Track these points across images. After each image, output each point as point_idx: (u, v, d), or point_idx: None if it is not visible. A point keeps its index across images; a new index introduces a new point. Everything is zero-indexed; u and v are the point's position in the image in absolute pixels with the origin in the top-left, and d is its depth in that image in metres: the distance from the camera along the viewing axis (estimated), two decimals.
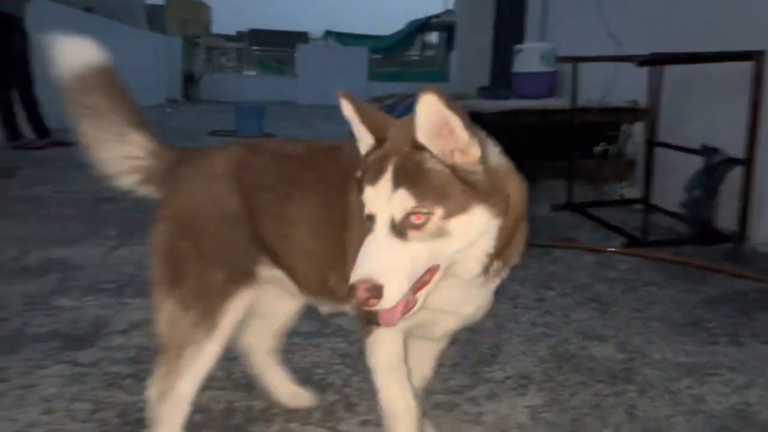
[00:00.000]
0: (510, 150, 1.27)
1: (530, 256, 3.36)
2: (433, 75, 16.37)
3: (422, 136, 1.13)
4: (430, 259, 1.14)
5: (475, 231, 1.16)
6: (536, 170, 4.52)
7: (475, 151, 1.15)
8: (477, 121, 1.18)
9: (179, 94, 16.12)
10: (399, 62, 17.61)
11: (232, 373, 2.03)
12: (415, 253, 1.12)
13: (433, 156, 1.14)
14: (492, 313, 2.62)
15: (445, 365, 2.16)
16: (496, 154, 1.23)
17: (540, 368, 2.18)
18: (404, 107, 4.87)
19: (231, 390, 1.97)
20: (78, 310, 2.57)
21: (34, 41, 6.74)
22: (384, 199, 1.13)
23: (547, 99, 5.48)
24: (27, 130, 6.94)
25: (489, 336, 2.41)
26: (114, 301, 2.67)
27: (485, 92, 6.13)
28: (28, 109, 6.88)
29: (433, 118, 1.12)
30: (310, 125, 11.21)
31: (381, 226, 1.13)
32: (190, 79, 16.93)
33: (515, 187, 1.24)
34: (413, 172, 1.13)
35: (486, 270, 1.23)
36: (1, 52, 6.57)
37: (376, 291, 1.08)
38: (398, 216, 1.12)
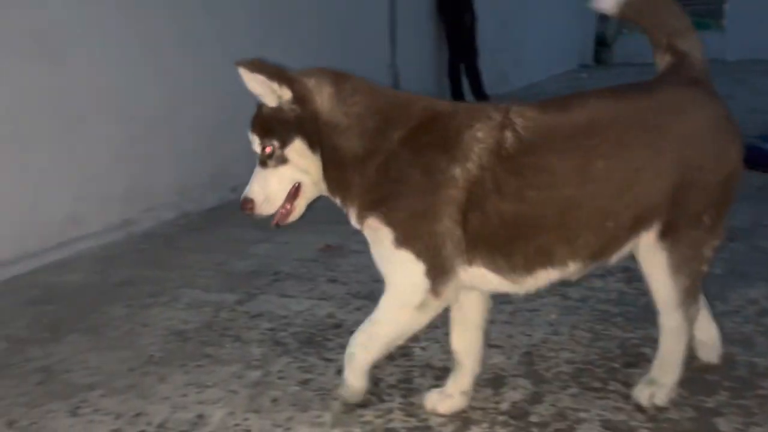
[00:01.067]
0: None
1: None
2: None
3: (260, 96, 1.52)
4: (290, 179, 1.57)
5: (303, 157, 1.54)
6: None
7: (286, 93, 1.51)
8: None
9: (590, 58, 16.03)
10: None
11: (725, 327, 2.01)
12: (276, 175, 1.56)
13: (267, 106, 1.53)
14: None
15: None
16: (327, 100, 1.53)
17: None
18: None
19: (727, 344, 1.93)
20: None
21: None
22: (252, 142, 1.57)
23: None
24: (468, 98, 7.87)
25: None
26: None
27: None
28: (471, 79, 7.77)
29: (251, 83, 1.49)
30: (740, 81, 9.95)
31: (257, 161, 1.58)
32: (602, 43, 16.63)
33: (340, 132, 1.52)
34: (258, 120, 1.56)
35: (339, 199, 1.59)
36: (453, 29, 7.54)
37: (250, 203, 1.57)
38: (258, 151, 1.57)
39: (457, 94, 7.82)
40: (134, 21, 3.43)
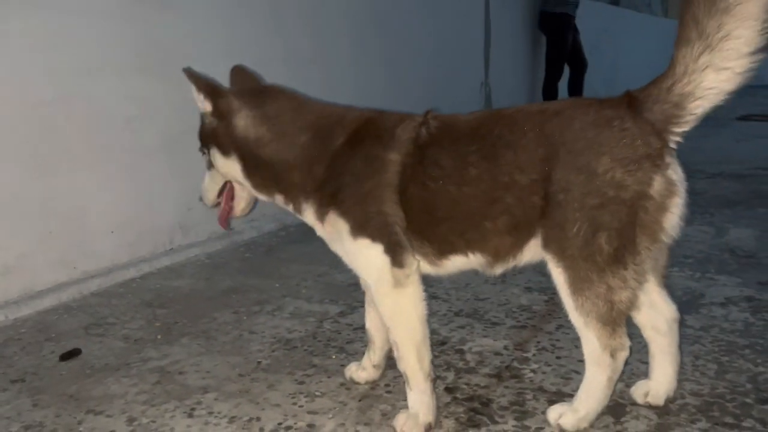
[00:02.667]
0: None
1: None
2: None
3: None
4: (218, 180, 1.83)
5: (218, 162, 1.77)
6: None
7: (207, 106, 1.71)
8: None
9: None
10: None
11: None
12: (209, 176, 1.84)
13: (205, 114, 1.74)
14: None
15: None
16: (243, 119, 1.70)
17: None
18: None
19: None
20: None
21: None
22: None
23: None
24: None
25: None
26: (700, 275, 2.75)
27: None
28: (573, 93, 7.58)
29: (192, 88, 1.71)
30: None
31: None
32: None
33: (262, 145, 1.70)
34: (199, 127, 1.79)
35: (282, 198, 1.76)
36: (555, 47, 7.40)
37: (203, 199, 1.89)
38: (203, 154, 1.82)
39: None
40: (253, 38, 3.56)
